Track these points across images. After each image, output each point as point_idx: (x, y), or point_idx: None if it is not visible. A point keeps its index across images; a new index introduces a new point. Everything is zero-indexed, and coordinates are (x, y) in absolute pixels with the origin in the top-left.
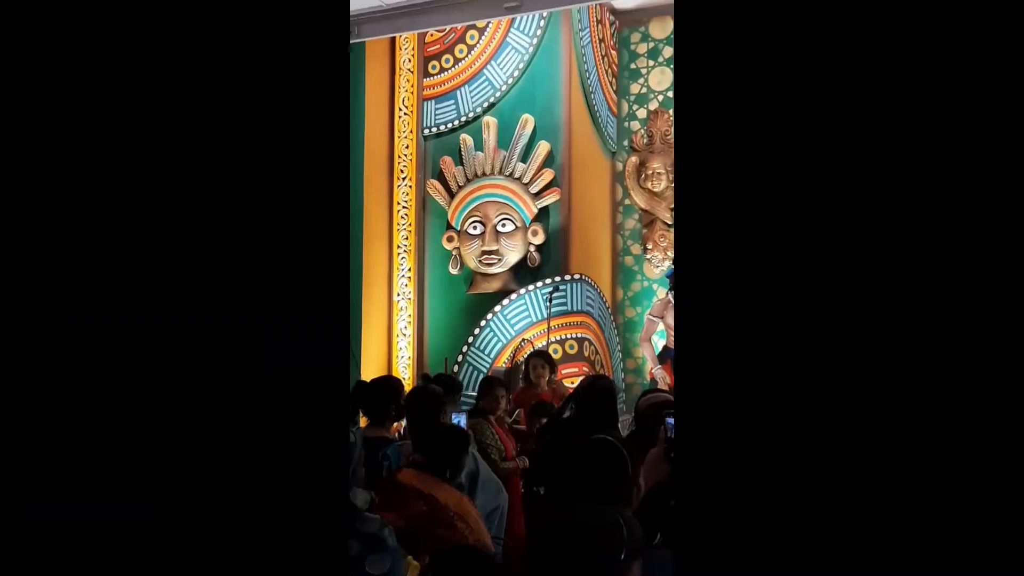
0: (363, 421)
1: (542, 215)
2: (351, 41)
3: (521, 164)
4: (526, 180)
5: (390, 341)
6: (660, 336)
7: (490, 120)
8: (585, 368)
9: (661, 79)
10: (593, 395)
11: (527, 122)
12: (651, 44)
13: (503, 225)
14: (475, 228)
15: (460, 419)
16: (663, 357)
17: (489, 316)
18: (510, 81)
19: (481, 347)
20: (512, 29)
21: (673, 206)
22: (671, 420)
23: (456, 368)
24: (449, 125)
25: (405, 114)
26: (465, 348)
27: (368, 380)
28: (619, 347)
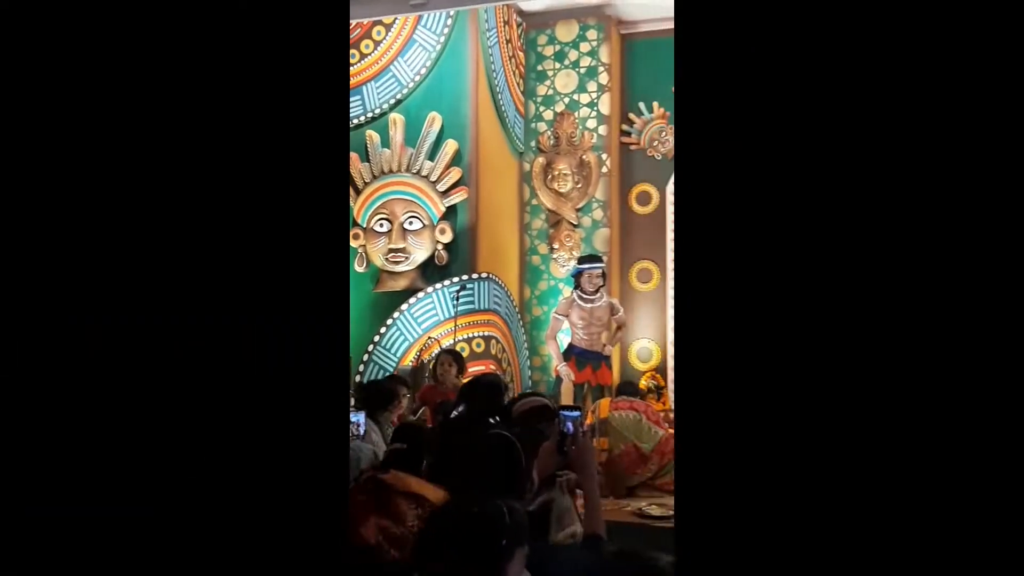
0: None
1: (450, 213)
2: None
3: (428, 162)
4: (433, 178)
5: None
6: (565, 334)
7: (397, 117)
8: (492, 366)
9: (567, 82)
10: (478, 391)
11: (434, 120)
12: (557, 47)
13: (410, 223)
14: (381, 225)
15: (359, 418)
16: (567, 354)
17: (396, 315)
18: (417, 78)
19: (387, 346)
20: (419, 26)
21: (578, 207)
22: (565, 413)
23: (361, 367)
24: (355, 121)
25: None
26: (371, 347)
27: None
28: (526, 345)
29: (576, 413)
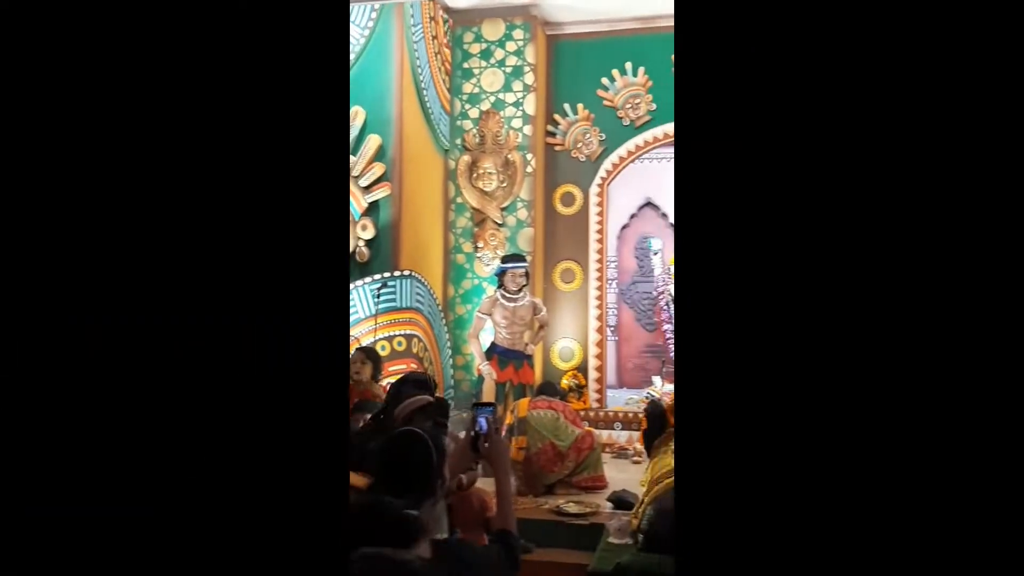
0: None
1: (372, 209)
2: None
3: (351, 156)
4: (356, 173)
5: None
6: (489, 333)
7: None
8: (413, 365)
9: (493, 80)
10: (405, 391)
11: (357, 114)
12: (484, 45)
13: None
14: None
15: None
16: (489, 353)
17: None
18: None
19: None
20: None
21: (502, 206)
22: (479, 410)
23: None
24: None
25: None
26: None
27: None
28: (448, 344)
29: (489, 410)
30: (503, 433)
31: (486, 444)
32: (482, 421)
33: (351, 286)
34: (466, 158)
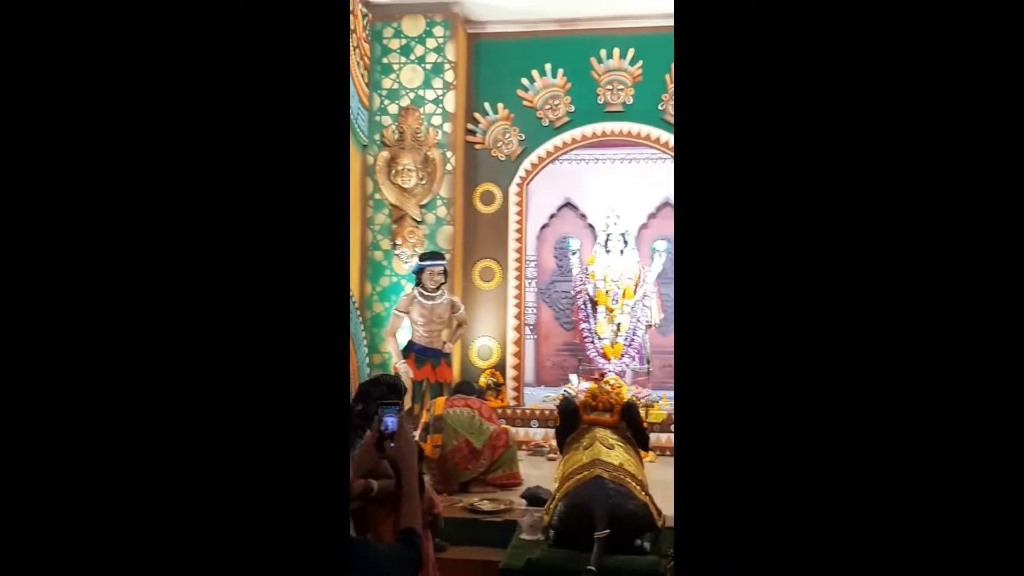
0: None
1: None
2: None
3: None
4: None
5: None
6: (407, 331)
7: None
8: None
9: (413, 76)
10: (376, 392)
11: None
12: (403, 41)
13: None
14: None
15: None
16: (407, 351)
17: None
18: None
19: None
20: None
21: (422, 203)
22: (385, 408)
23: None
24: None
25: None
26: None
27: None
28: (365, 342)
29: (395, 408)
30: (419, 432)
31: (391, 444)
32: (388, 420)
33: None
34: (385, 154)
